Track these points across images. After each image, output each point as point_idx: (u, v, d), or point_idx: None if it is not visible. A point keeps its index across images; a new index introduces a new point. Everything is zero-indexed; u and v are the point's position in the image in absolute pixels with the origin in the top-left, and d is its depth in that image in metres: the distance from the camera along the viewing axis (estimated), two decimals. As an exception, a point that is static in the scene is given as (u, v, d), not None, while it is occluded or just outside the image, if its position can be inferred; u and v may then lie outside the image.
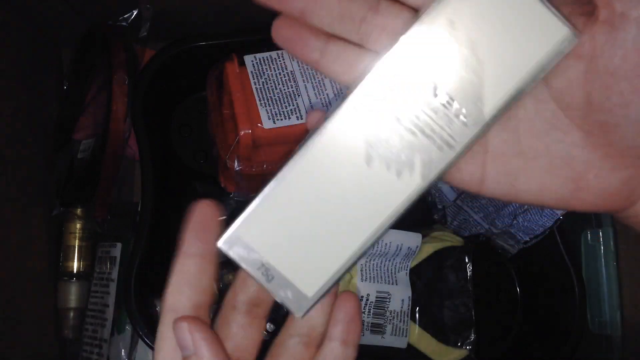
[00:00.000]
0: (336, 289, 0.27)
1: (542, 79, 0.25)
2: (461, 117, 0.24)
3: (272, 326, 0.57)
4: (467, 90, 0.24)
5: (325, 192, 0.24)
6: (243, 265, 0.25)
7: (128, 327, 0.57)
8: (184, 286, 0.27)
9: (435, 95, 0.24)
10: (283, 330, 0.29)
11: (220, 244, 0.25)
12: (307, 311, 0.26)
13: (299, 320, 0.28)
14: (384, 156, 0.24)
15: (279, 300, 0.25)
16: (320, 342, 0.29)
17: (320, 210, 0.25)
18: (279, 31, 0.27)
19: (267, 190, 0.25)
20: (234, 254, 0.25)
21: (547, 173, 0.27)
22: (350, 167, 0.24)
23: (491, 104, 0.24)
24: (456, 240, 0.58)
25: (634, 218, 0.27)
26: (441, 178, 0.25)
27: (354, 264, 0.25)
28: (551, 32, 0.23)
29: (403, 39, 0.24)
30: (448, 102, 0.24)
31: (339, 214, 0.25)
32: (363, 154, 0.24)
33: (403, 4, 0.27)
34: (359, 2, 0.26)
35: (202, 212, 0.27)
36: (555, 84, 0.26)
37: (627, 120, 0.24)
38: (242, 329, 0.28)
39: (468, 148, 0.24)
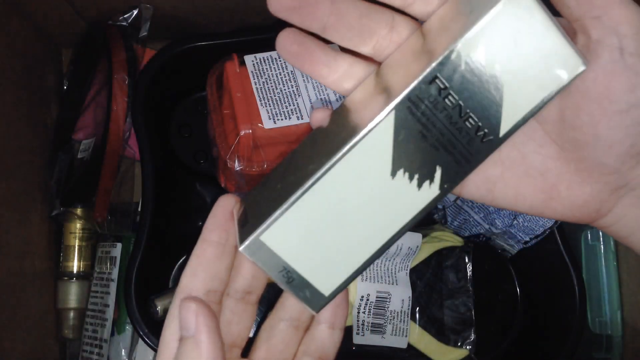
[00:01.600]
0: None
1: None
2: (480, 135, 0.25)
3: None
4: (488, 111, 0.25)
5: (348, 201, 0.26)
6: (265, 269, 0.26)
7: (128, 327, 0.57)
8: (200, 270, 0.28)
9: (461, 115, 0.25)
10: (272, 314, 0.31)
11: (242, 249, 0.26)
12: (322, 307, 0.27)
13: (289, 304, 0.30)
14: (409, 169, 0.26)
15: (297, 299, 0.27)
16: (308, 325, 0.30)
17: (343, 217, 0.26)
18: (286, 47, 0.28)
19: (292, 198, 0.25)
20: (256, 259, 0.26)
21: (522, 182, 0.28)
22: (375, 179, 0.26)
23: (507, 125, 0.25)
24: (456, 240, 0.58)
25: (606, 229, 0.29)
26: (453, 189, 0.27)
27: (369, 264, 0.27)
28: (569, 64, 0.24)
29: (434, 63, 0.24)
30: (471, 122, 0.25)
31: (360, 220, 0.26)
32: (389, 168, 0.26)
33: (415, 18, 0.28)
34: (377, 19, 0.27)
35: (225, 203, 0.28)
36: None
37: (595, 139, 0.26)
38: (235, 315, 0.29)
39: (481, 162, 0.26)
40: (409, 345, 0.56)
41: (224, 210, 0.28)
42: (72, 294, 0.57)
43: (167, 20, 0.57)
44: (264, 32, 0.54)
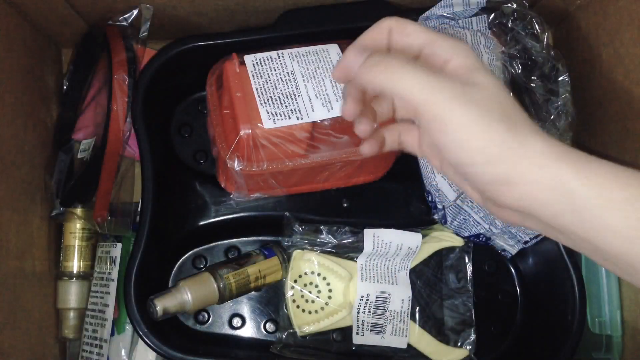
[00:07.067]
0: None
1: None
2: None
3: (272, 326, 0.57)
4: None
5: None
6: None
7: (128, 327, 0.57)
8: None
9: None
10: None
11: None
12: None
13: None
14: None
15: None
16: None
17: None
18: None
19: None
20: None
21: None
22: None
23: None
24: (456, 240, 0.58)
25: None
26: None
27: None
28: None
29: None
30: None
31: None
32: None
33: None
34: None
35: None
36: None
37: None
38: None
39: None
40: (409, 345, 0.56)
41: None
42: (72, 294, 0.57)
43: (167, 20, 0.57)
44: (264, 32, 0.53)
